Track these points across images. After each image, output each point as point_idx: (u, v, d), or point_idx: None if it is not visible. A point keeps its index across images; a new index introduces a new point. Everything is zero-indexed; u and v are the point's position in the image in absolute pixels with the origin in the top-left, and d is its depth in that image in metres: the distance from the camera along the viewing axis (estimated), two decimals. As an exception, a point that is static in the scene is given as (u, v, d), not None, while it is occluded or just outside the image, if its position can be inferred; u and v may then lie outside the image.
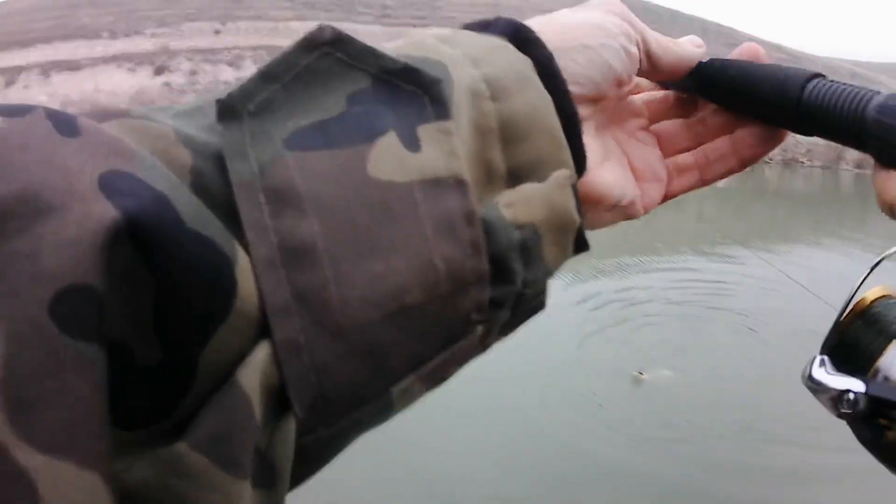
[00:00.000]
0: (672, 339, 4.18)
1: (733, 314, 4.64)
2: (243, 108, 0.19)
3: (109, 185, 0.16)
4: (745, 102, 0.29)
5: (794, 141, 14.11)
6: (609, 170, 0.28)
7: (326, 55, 0.20)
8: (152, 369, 0.17)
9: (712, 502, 2.81)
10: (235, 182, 0.18)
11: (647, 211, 0.31)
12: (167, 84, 15.92)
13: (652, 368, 3.63)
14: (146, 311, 0.16)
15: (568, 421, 3.15)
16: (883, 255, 0.34)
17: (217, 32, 19.65)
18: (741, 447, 3.14)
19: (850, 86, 0.26)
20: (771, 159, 14.05)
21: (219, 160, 0.18)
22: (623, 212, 0.29)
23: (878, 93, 0.24)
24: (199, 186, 0.18)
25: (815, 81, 0.27)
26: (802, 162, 14.80)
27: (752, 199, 12.73)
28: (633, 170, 0.30)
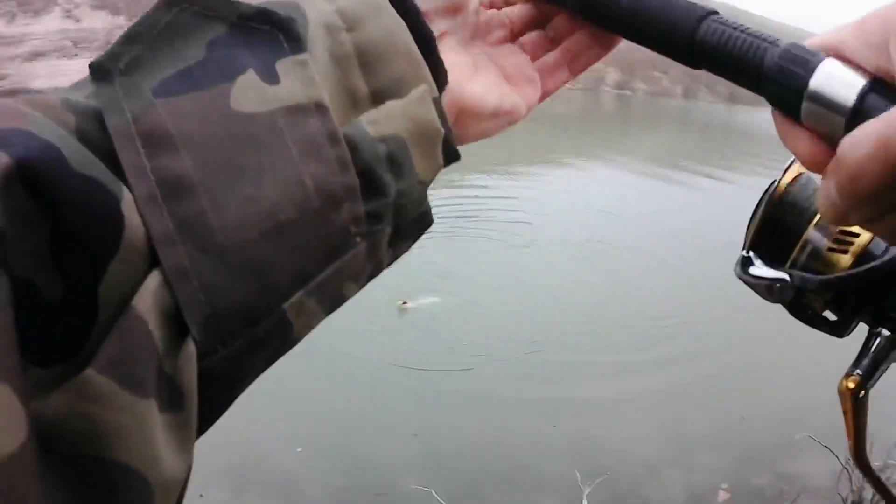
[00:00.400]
0: (437, 260, 3.93)
1: (499, 233, 4.60)
2: (114, 68, 0.21)
3: (4, 139, 0.17)
4: (637, 34, 0.29)
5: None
6: (481, 81, 0.30)
7: (184, 10, 0.22)
8: (58, 304, 0.18)
9: (488, 430, 2.74)
10: (113, 132, 0.20)
11: (528, 111, 0.32)
12: None
13: (418, 294, 3.46)
14: (44, 246, 0.18)
15: (332, 358, 3.00)
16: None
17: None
18: (515, 369, 3.04)
19: (746, 33, 0.26)
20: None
21: (99, 118, 0.20)
22: (506, 117, 0.31)
23: (775, 44, 0.25)
24: (84, 142, 0.19)
25: (708, 22, 0.27)
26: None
27: (511, 124, 11.98)
28: (507, 76, 0.31)
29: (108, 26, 18.02)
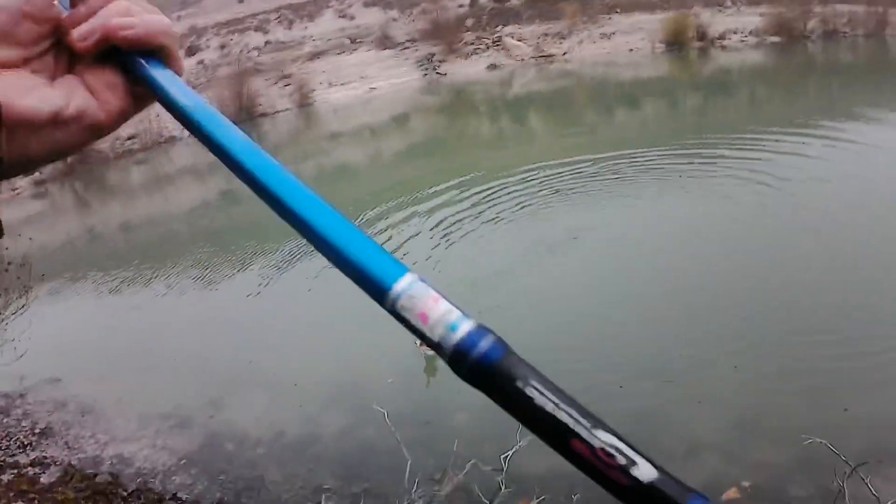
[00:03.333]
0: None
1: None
2: None
3: None
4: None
5: (833, 11, 14.30)
6: (39, 95, 0.32)
7: None
8: None
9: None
10: None
11: (113, 116, 0.34)
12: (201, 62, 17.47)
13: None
14: None
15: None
16: None
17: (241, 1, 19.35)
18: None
19: None
20: (811, 33, 13.80)
21: None
22: (77, 122, 0.33)
23: None
24: None
25: None
26: (844, 33, 13.69)
27: (800, 77, 11.82)
28: (91, 90, 0.34)
29: (381, 21, 18.49)
